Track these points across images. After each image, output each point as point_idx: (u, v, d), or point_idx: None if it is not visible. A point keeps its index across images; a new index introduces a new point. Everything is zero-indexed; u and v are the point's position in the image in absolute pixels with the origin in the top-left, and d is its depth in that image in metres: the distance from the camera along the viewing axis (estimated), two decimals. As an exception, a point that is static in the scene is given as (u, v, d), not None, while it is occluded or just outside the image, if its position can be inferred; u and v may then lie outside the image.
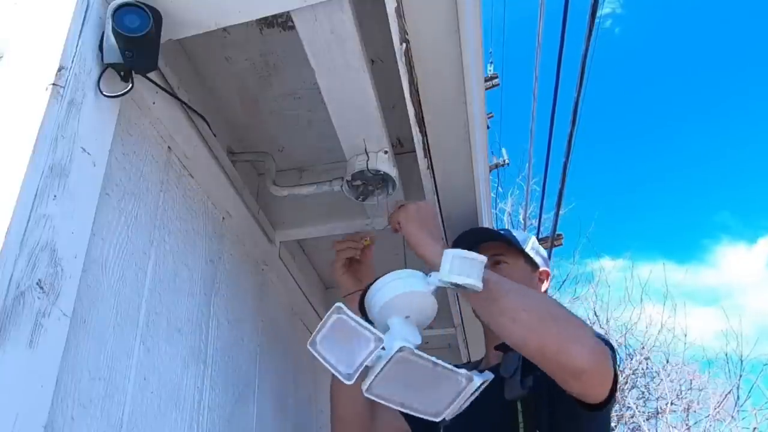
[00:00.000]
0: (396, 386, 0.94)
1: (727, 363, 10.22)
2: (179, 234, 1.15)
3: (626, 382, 9.66)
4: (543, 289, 1.42)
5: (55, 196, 0.77)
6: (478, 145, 1.38)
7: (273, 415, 1.51)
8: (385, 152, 1.28)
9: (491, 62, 8.79)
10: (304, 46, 1.06)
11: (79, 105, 0.84)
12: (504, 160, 9.92)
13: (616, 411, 9.19)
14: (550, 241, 7.39)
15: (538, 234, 7.99)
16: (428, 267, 1.08)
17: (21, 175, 0.74)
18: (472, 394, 0.95)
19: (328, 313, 0.94)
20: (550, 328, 1.00)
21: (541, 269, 1.41)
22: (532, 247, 1.41)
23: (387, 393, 0.94)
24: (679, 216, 24.56)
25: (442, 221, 1.51)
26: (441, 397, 0.95)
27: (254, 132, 1.50)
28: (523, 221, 10.50)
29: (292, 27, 1.09)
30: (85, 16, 0.88)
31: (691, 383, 10.30)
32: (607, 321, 10.39)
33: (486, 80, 4.82)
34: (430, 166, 1.37)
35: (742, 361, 9.97)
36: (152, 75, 1.00)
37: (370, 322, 0.97)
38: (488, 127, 3.43)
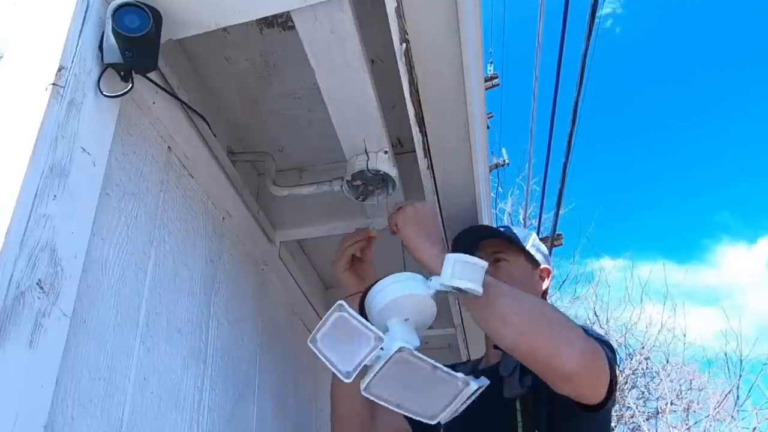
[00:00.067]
0: (394, 387, 0.94)
1: (727, 363, 10.24)
2: (179, 234, 1.15)
3: (626, 382, 9.66)
4: (544, 286, 1.41)
5: (55, 196, 0.77)
6: (478, 145, 1.38)
7: (273, 415, 1.51)
8: (385, 152, 1.28)
9: (491, 62, 8.78)
10: (304, 46, 1.06)
11: (79, 105, 0.84)
12: (504, 160, 9.92)
13: (616, 411, 9.18)
14: (550, 241, 7.38)
15: (538, 234, 7.96)
16: (426, 270, 1.08)
17: (21, 175, 0.74)
18: (468, 398, 0.95)
19: (330, 310, 0.94)
20: (541, 331, 1.01)
21: (542, 267, 1.41)
22: (532, 244, 1.40)
23: (384, 393, 0.95)
24: (679, 216, 24.57)
25: (442, 221, 1.51)
26: (437, 400, 0.96)
27: (254, 132, 1.50)
28: (523, 221, 10.49)
29: (292, 27, 1.09)
30: (85, 16, 0.88)
31: (691, 383, 10.31)
32: (607, 321, 10.40)
33: (486, 80, 4.82)
34: (430, 166, 1.36)
35: (741, 361, 9.99)
36: (152, 75, 1.00)
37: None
38: (488, 127, 3.43)
